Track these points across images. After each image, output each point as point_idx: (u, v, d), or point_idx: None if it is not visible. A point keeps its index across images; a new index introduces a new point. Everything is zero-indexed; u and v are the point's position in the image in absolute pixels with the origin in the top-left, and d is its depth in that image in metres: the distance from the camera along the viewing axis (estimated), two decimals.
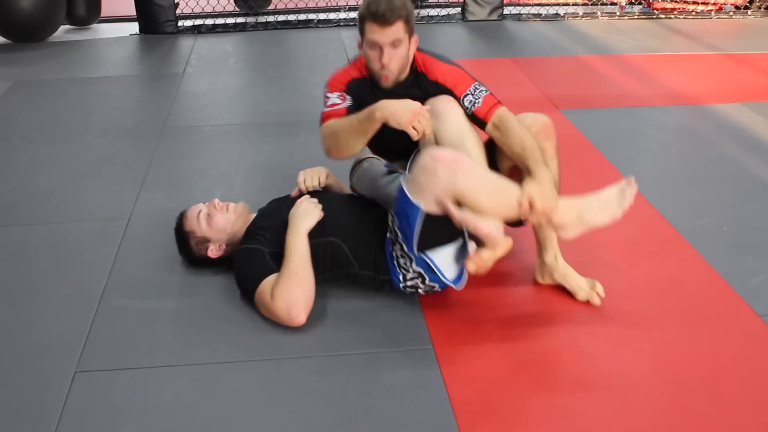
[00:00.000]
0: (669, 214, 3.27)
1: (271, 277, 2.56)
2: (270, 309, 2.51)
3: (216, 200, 2.82)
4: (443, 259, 2.51)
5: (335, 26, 6.59)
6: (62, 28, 6.59)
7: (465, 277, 2.56)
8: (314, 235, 2.62)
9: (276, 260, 2.60)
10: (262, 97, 4.90)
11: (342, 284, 2.70)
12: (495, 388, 2.28)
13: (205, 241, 2.77)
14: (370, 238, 2.62)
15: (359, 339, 2.48)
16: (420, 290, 2.60)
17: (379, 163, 2.85)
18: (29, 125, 4.48)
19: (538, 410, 2.19)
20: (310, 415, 2.17)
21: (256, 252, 2.64)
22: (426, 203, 2.40)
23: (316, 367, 2.37)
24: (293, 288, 2.49)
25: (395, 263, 2.56)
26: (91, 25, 6.79)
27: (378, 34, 2.56)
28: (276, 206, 2.83)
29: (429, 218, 2.42)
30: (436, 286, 2.58)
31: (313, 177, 2.88)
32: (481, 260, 2.43)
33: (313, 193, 2.81)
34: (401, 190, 2.46)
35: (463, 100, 2.65)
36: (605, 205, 2.50)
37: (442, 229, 2.46)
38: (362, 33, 2.63)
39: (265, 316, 2.56)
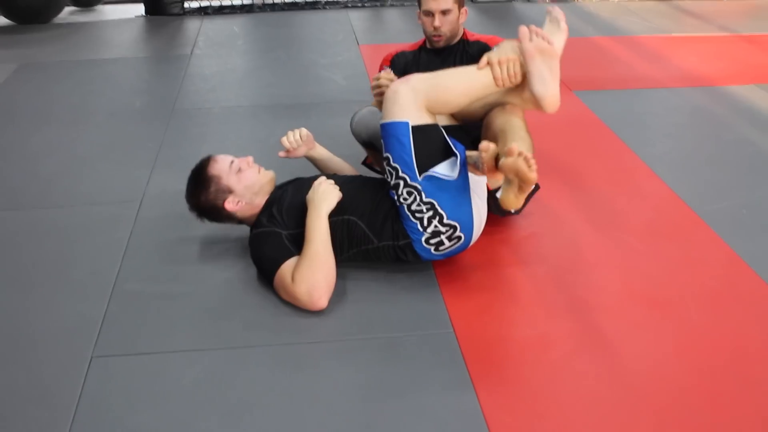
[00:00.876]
0: (687, 196, 3.23)
1: (291, 261, 2.53)
2: (291, 293, 2.48)
3: (251, 158, 2.79)
4: (444, 169, 2.55)
5: (343, 8, 6.53)
6: (67, 9, 6.55)
7: (466, 171, 2.58)
8: (331, 213, 2.59)
9: (294, 242, 2.58)
10: (271, 79, 4.85)
11: (361, 266, 2.67)
12: (517, 372, 2.25)
13: (227, 191, 2.70)
14: (387, 212, 2.61)
15: (379, 322, 2.46)
16: (443, 238, 2.55)
17: (376, 110, 3.03)
18: (37, 108, 4.44)
19: (561, 395, 2.16)
20: (330, 400, 2.14)
21: (274, 235, 2.61)
22: (408, 116, 2.54)
23: (335, 351, 2.34)
24: (315, 271, 2.46)
25: (408, 213, 2.54)
26: (95, 7, 6.74)
27: (431, 3, 3.12)
28: (293, 187, 2.78)
29: (418, 136, 2.53)
30: (458, 227, 2.54)
31: (294, 133, 2.99)
32: (489, 149, 2.50)
33: (329, 177, 2.78)
34: (383, 126, 2.59)
35: (492, 48, 2.91)
36: (552, 33, 2.68)
37: (434, 144, 2.56)
38: (419, 4, 3.19)
39: (285, 300, 2.53)
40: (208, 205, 2.74)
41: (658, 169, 3.48)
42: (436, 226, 2.54)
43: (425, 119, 2.57)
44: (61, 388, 2.21)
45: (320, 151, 3.04)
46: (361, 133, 3.07)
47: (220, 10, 6.45)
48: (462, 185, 2.55)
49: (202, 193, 2.73)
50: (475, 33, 3.30)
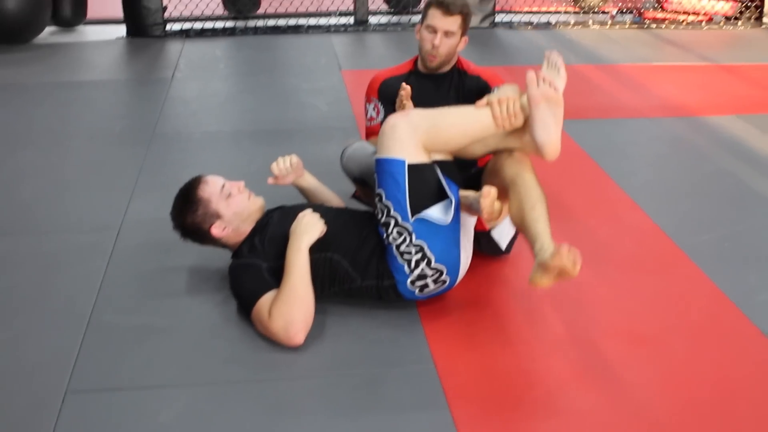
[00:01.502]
0: (669, 228, 3.23)
1: (269, 294, 2.48)
2: (267, 327, 2.44)
3: (242, 183, 2.74)
4: (436, 213, 2.51)
5: (325, 32, 6.52)
6: (47, 29, 6.48)
7: (459, 216, 2.54)
8: (314, 249, 2.55)
9: (274, 275, 2.53)
10: (253, 103, 4.83)
11: (341, 300, 2.63)
12: (500, 411, 2.21)
13: (215, 216, 2.64)
14: (373, 250, 2.57)
15: (359, 358, 2.42)
16: (429, 281, 2.52)
17: (368, 144, 2.97)
18: (14, 130, 4.38)
19: (544, 430, 2.13)
20: None
21: (254, 267, 2.56)
22: (405, 154, 2.50)
23: (315, 387, 2.30)
24: (292, 307, 2.42)
25: (396, 254, 2.50)
26: (76, 27, 6.68)
27: (438, 20, 2.97)
28: (277, 216, 2.73)
29: (413, 175, 2.49)
30: (444, 270, 2.51)
31: (285, 160, 2.92)
32: (490, 195, 2.40)
33: (315, 208, 2.74)
34: (378, 162, 2.55)
35: (493, 89, 2.96)
36: (552, 77, 2.52)
37: (428, 185, 2.52)
38: (423, 18, 3.04)
39: (262, 334, 2.49)
40: (194, 227, 2.69)
41: (639, 200, 3.48)
42: (423, 269, 2.51)
43: (422, 158, 2.54)
44: (33, 424, 2.14)
45: (309, 180, 3.00)
46: (352, 169, 2.97)
47: (202, 33, 6.42)
48: (453, 229, 2.52)
49: (188, 214, 2.68)
50: (471, 63, 3.19)
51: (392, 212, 2.50)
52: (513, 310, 2.57)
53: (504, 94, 2.57)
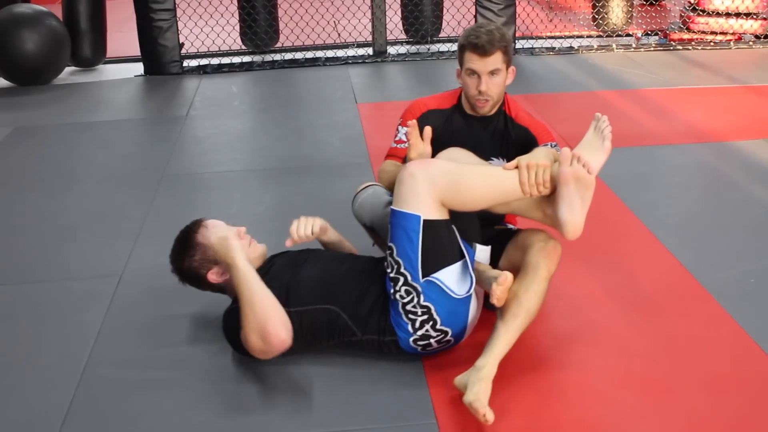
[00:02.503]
0: (691, 265, 3.08)
1: None
2: (251, 349, 2.35)
3: (244, 229, 2.65)
4: (450, 277, 2.38)
5: (343, 64, 6.46)
6: (67, 69, 6.51)
7: (474, 294, 2.43)
8: (313, 300, 2.46)
9: None
10: (265, 141, 4.76)
11: (344, 351, 2.52)
12: None
13: (213, 262, 2.57)
14: (374, 303, 2.46)
15: (358, 412, 2.31)
16: (432, 341, 2.41)
17: (382, 191, 2.77)
18: (26, 174, 4.36)
19: None
20: None
21: None
22: (421, 209, 2.35)
23: None
24: (256, 314, 2.32)
25: (401, 311, 2.39)
26: (96, 67, 6.71)
27: (477, 63, 2.70)
28: (279, 264, 2.62)
29: (428, 233, 2.35)
30: (449, 332, 2.40)
31: (306, 225, 2.66)
32: (506, 284, 2.32)
33: (315, 254, 2.65)
34: (393, 212, 2.41)
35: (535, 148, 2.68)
36: (592, 147, 2.40)
37: (443, 245, 2.39)
38: (461, 62, 2.77)
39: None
40: (191, 272, 2.63)
41: (660, 235, 3.33)
42: (427, 330, 2.40)
43: (439, 213, 2.38)
44: None
45: (331, 236, 2.82)
46: (363, 217, 2.79)
47: (219, 69, 6.39)
48: (465, 299, 2.41)
49: (186, 259, 2.62)
50: (520, 107, 2.91)
51: (402, 269, 2.38)
52: (522, 361, 2.43)
53: (536, 159, 2.40)
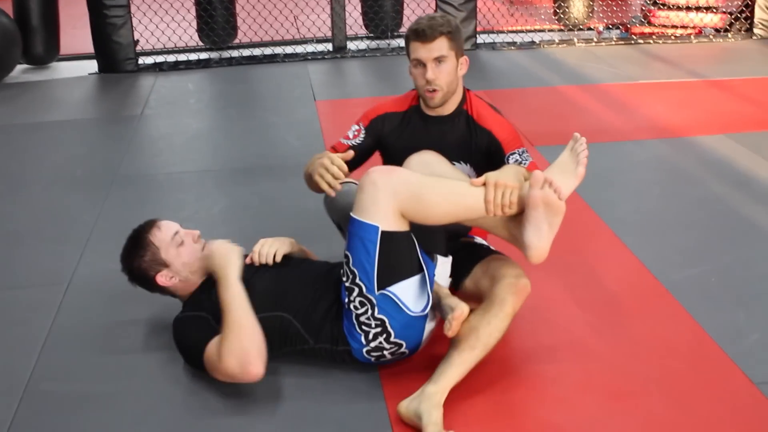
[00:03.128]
0: (652, 264, 3.05)
1: (216, 339, 2.32)
2: (222, 369, 2.27)
3: (197, 233, 2.57)
4: (407, 292, 2.31)
5: (302, 60, 6.37)
6: (18, 67, 6.34)
7: (430, 307, 2.35)
8: (263, 307, 2.38)
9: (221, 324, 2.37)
10: (222, 140, 4.67)
11: (296, 359, 2.44)
12: None
13: (162, 264, 2.50)
14: (327, 310, 2.39)
15: (313, 427, 2.23)
16: (386, 353, 2.35)
17: (354, 188, 2.63)
18: None
19: None
20: None
21: (200, 319, 2.40)
22: (380, 220, 2.27)
23: None
24: (240, 339, 2.25)
25: (355, 322, 2.32)
26: (49, 65, 6.55)
27: (421, 50, 2.58)
28: None
29: (385, 245, 2.28)
30: (403, 345, 2.34)
31: (269, 252, 2.55)
32: (461, 318, 2.26)
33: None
34: (352, 220, 2.32)
35: (508, 157, 2.64)
36: (565, 170, 2.34)
37: (401, 257, 2.32)
38: (408, 54, 2.65)
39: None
40: (140, 273, 2.55)
41: (621, 233, 3.31)
42: (380, 342, 2.33)
43: (398, 225, 2.30)
44: None
45: (296, 253, 2.69)
46: (332, 215, 2.74)
47: (176, 66, 6.27)
48: (421, 316, 2.34)
49: (136, 258, 2.54)
50: (484, 104, 2.75)
51: (357, 280, 2.30)
52: (480, 368, 2.36)
53: (504, 178, 2.31)
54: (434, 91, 2.62)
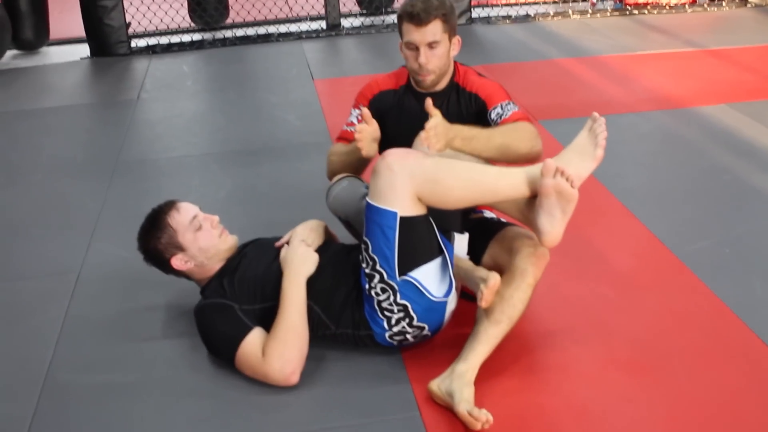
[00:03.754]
0: (665, 236, 3.05)
1: (253, 335, 2.31)
2: (261, 370, 2.27)
3: (217, 218, 2.55)
4: (428, 276, 2.30)
5: (297, 39, 6.32)
6: (8, 53, 6.26)
7: (454, 290, 2.35)
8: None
9: (251, 317, 2.37)
10: (221, 122, 4.63)
11: (316, 343, 2.43)
12: None
13: (179, 248, 2.47)
14: (347, 296, 2.38)
15: (339, 408, 2.23)
16: (408, 336, 2.34)
17: (359, 183, 2.66)
18: None
19: None
20: None
21: (226, 308, 2.38)
22: (398, 205, 2.24)
23: None
24: (290, 345, 2.26)
25: (377, 308, 2.31)
26: (39, 50, 6.46)
27: (414, 34, 2.55)
28: (250, 255, 2.53)
29: (405, 230, 2.25)
30: (426, 327, 2.33)
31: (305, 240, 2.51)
32: (495, 287, 2.25)
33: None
34: (369, 206, 2.28)
35: (490, 112, 2.64)
36: (583, 152, 2.33)
37: (420, 242, 2.29)
38: (401, 34, 2.61)
39: (247, 378, 2.32)
40: (156, 254, 2.52)
41: (631, 206, 3.30)
42: (403, 327, 2.32)
43: (416, 209, 2.27)
44: None
45: (324, 236, 2.63)
46: (337, 210, 2.66)
47: (169, 48, 6.20)
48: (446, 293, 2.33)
49: (152, 239, 2.51)
50: (471, 72, 2.74)
51: (378, 267, 2.28)
52: (502, 347, 2.35)
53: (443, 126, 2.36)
54: (426, 74, 2.62)
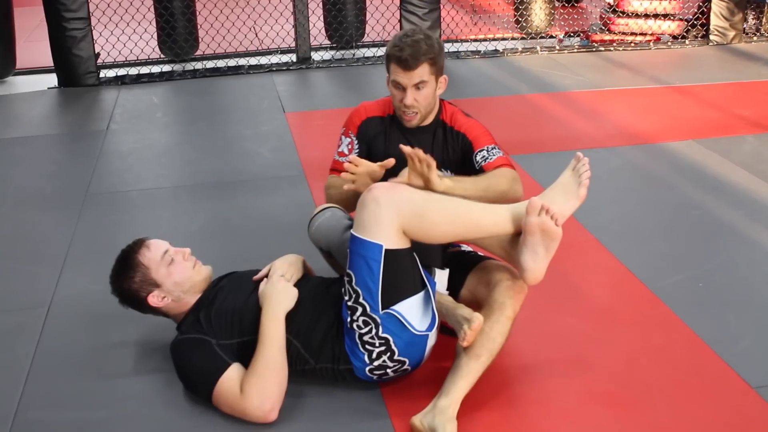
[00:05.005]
0: (639, 271, 3.08)
1: (231, 371, 2.28)
2: (239, 406, 2.24)
3: (188, 250, 2.52)
4: (411, 310, 2.28)
5: (267, 71, 6.31)
6: None
7: (436, 324, 2.34)
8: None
9: (228, 352, 2.34)
10: (193, 154, 4.59)
11: (298, 379, 2.39)
12: None
13: (154, 285, 2.44)
14: (328, 329, 2.36)
15: None
16: (389, 371, 2.33)
17: (341, 214, 2.65)
18: None
19: None
20: None
21: (203, 343, 2.35)
22: (383, 238, 2.23)
23: None
24: (269, 381, 2.24)
25: (358, 341, 2.29)
26: (5, 79, 6.38)
27: (401, 76, 2.57)
28: (227, 287, 2.50)
29: (389, 263, 2.25)
30: (407, 362, 2.32)
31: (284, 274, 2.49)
32: (479, 328, 2.27)
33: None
34: (353, 238, 2.28)
35: (476, 154, 2.67)
36: (567, 191, 2.37)
37: (404, 275, 2.28)
38: (388, 71, 2.63)
39: (227, 414, 2.28)
40: (131, 294, 2.48)
41: (605, 241, 3.33)
42: (384, 361, 2.31)
43: (401, 243, 2.27)
44: None
45: (302, 270, 2.62)
46: (319, 240, 2.63)
47: (138, 79, 6.16)
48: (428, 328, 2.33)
49: (125, 280, 2.47)
50: (458, 111, 2.76)
51: (361, 299, 2.27)
52: (483, 381, 2.34)
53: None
54: (414, 114, 2.65)
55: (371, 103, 2.84)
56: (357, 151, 2.75)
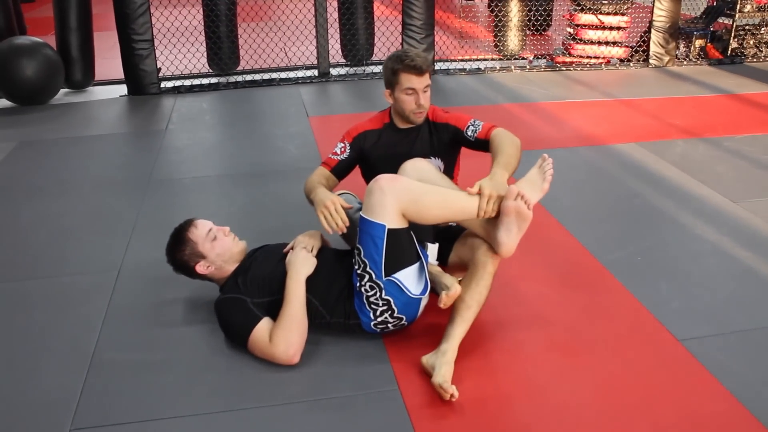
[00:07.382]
0: (592, 247, 3.06)
1: (262, 324, 2.29)
2: (269, 352, 2.25)
3: (227, 228, 2.52)
4: (408, 277, 2.29)
5: (294, 84, 6.28)
6: (62, 91, 6.15)
7: (428, 289, 2.33)
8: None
9: (260, 308, 2.33)
10: (234, 149, 4.57)
11: (316, 331, 2.39)
12: (456, 424, 2.02)
13: (200, 256, 2.45)
14: (341, 291, 2.36)
15: (332, 383, 2.21)
16: (389, 325, 2.33)
17: (353, 198, 2.64)
18: (32, 182, 4.07)
19: None
20: None
21: (240, 301, 2.35)
22: (386, 219, 2.23)
23: (296, 413, 2.09)
24: (293, 331, 2.24)
25: (365, 302, 2.29)
26: (86, 88, 6.35)
27: (415, 82, 2.57)
28: (260, 257, 2.51)
29: (391, 240, 2.24)
30: (404, 318, 2.32)
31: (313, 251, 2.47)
32: (455, 295, 2.27)
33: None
34: (362, 219, 2.28)
35: (466, 131, 2.66)
36: (533, 185, 2.34)
37: (403, 249, 2.28)
38: (397, 83, 2.60)
39: (256, 358, 2.29)
40: (182, 264, 2.49)
41: (565, 222, 3.31)
42: (386, 318, 2.31)
43: (401, 223, 2.27)
44: None
45: (321, 241, 2.60)
46: None
47: (191, 89, 6.13)
48: (422, 292, 2.32)
49: (178, 252, 2.48)
50: (437, 108, 2.76)
51: (368, 268, 2.27)
52: (466, 336, 2.33)
53: (496, 190, 2.28)
54: (423, 112, 2.65)
55: (366, 122, 2.81)
56: (347, 154, 2.73)
